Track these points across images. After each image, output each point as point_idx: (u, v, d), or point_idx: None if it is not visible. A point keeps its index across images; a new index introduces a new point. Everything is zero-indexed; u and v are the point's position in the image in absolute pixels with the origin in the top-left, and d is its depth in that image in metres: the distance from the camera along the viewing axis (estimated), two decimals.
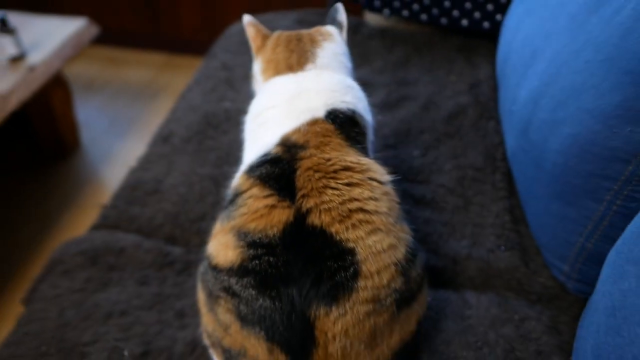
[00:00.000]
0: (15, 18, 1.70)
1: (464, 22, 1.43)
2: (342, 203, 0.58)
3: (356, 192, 0.59)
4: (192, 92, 1.25)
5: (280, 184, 0.60)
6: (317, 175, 0.59)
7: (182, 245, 0.88)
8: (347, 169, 0.61)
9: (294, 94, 0.70)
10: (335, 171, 0.60)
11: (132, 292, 0.76)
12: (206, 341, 0.66)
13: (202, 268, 0.65)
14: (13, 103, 1.40)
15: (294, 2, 2.29)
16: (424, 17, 1.46)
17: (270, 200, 0.58)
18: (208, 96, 1.21)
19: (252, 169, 0.64)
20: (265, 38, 0.81)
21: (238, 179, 0.66)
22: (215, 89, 1.23)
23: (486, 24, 1.41)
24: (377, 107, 1.17)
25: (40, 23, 1.74)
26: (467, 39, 1.44)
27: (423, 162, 1.02)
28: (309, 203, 0.57)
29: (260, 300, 0.55)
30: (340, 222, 0.57)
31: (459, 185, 0.97)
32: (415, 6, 1.46)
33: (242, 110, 1.13)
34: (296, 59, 0.75)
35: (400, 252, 0.59)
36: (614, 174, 0.69)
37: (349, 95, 0.72)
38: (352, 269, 0.55)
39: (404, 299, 0.59)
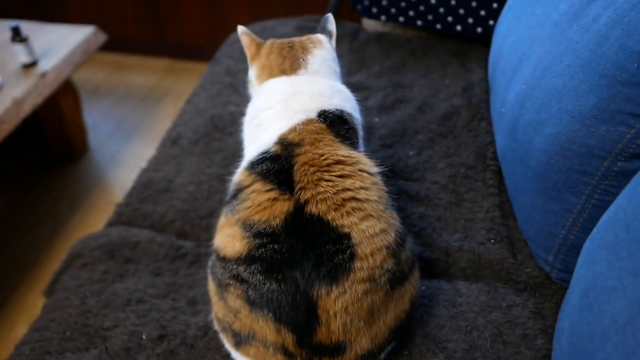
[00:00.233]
0: (26, 26, 1.77)
1: (458, 27, 1.48)
2: (336, 193, 0.63)
3: (348, 182, 0.65)
4: (198, 96, 1.31)
5: (280, 179, 0.65)
6: (312, 169, 0.65)
7: (193, 239, 0.94)
8: (339, 162, 0.67)
9: (288, 95, 0.76)
10: (328, 165, 0.66)
11: (148, 282, 0.82)
12: (217, 327, 0.72)
13: (210, 262, 0.71)
14: (27, 109, 1.47)
15: (294, 9, 2.35)
16: (419, 22, 1.52)
17: (272, 194, 0.64)
18: (213, 100, 1.27)
19: (253, 166, 0.69)
20: (259, 46, 0.86)
21: (239, 175, 0.71)
22: (220, 94, 1.29)
23: (479, 29, 1.47)
24: (375, 109, 1.23)
25: (50, 31, 1.81)
26: (461, 43, 1.50)
27: (418, 161, 1.08)
28: (307, 194, 0.63)
29: (268, 284, 0.60)
30: (336, 210, 0.62)
31: (451, 182, 1.03)
32: (411, 12, 1.52)
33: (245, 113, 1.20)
34: (289, 64, 0.81)
35: (391, 236, 0.65)
36: (592, 170, 0.74)
37: (336, 97, 0.78)
38: (348, 251, 0.61)
39: (396, 279, 0.65)
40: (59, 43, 1.74)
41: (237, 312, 0.64)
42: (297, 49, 0.83)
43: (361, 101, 1.25)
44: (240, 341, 0.66)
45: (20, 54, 1.58)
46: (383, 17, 1.55)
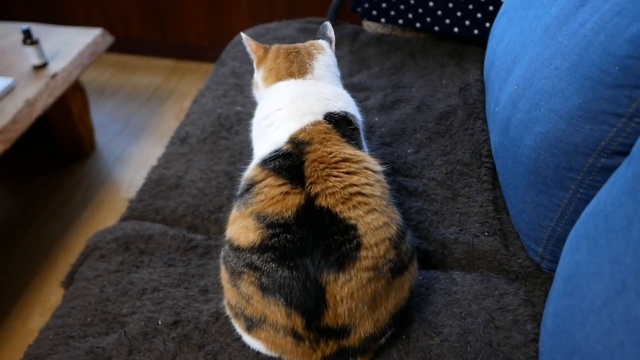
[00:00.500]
0: (35, 29, 1.82)
1: (456, 29, 1.53)
2: (344, 188, 0.69)
3: (354, 179, 0.70)
4: (204, 97, 1.36)
5: (292, 174, 0.70)
6: (321, 166, 0.70)
7: (203, 233, 0.99)
8: (346, 160, 0.72)
9: (297, 98, 0.81)
10: (336, 162, 0.71)
11: (162, 272, 0.87)
12: (229, 313, 0.77)
13: (222, 252, 0.76)
14: (39, 109, 1.52)
15: (295, 10, 2.40)
16: (418, 25, 1.57)
17: (284, 188, 0.69)
18: (220, 100, 1.32)
19: (265, 163, 0.74)
20: (266, 50, 0.91)
21: (251, 170, 0.77)
22: (226, 94, 1.34)
23: (476, 31, 1.52)
24: (375, 109, 1.29)
25: (58, 33, 1.86)
26: (458, 45, 1.55)
27: (416, 158, 1.13)
28: (317, 189, 0.68)
29: (280, 271, 0.65)
30: (343, 203, 0.67)
31: (448, 178, 1.08)
32: (410, 15, 1.56)
33: (252, 114, 1.25)
34: (297, 68, 0.86)
35: (393, 229, 0.70)
36: (577, 166, 0.79)
37: (340, 101, 0.83)
38: (355, 241, 0.66)
39: (397, 268, 0.70)
40: (67, 45, 1.80)
41: (249, 298, 0.69)
42: (303, 55, 0.88)
43: (362, 101, 1.31)
44: (251, 326, 0.71)
45: (31, 56, 1.64)
46: (383, 20, 1.59)
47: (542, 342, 0.72)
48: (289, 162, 0.72)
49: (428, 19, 1.55)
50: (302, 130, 0.76)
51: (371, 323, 0.69)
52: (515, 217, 0.97)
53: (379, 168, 0.76)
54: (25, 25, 1.61)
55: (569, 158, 0.80)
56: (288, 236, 0.66)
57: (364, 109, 1.27)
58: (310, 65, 0.87)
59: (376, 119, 1.25)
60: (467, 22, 1.51)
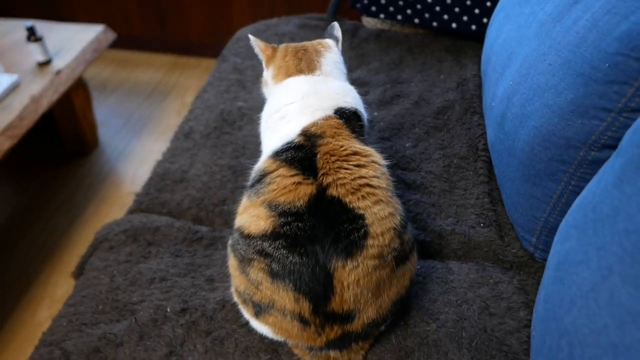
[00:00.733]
0: (38, 25, 1.85)
1: (454, 25, 1.56)
2: (353, 179, 0.72)
3: (363, 171, 0.73)
4: (207, 92, 1.39)
5: (304, 165, 0.73)
6: (333, 158, 0.73)
7: (208, 224, 1.02)
8: (355, 153, 0.75)
9: (308, 93, 0.84)
10: (347, 155, 0.74)
11: (169, 262, 0.91)
12: (236, 299, 0.80)
13: (231, 241, 0.78)
14: (44, 105, 1.55)
15: (295, 6, 2.41)
16: (416, 20, 1.59)
17: (297, 179, 0.72)
18: (222, 96, 1.35)
19: (277, 154, 0.77)
20: (274, 50, 0.94)
21: (263, 162, 0.79)
22: (229, 90, 1.37)
23: (474, 27, 1.54)
24: (374, 104, 1.32)
25: (61, 30, 1.88)
26: (456, 40, 1.58)
27: (414, 152, 1.16)
28: (328, 179, 0.71)
29: (291, 257, 0.68)
30: (352, 194, 0.70)
31: (445, 172, 1.11)
32: (409, 11, 1.59)
33: (254, 109, 1.28)
34: (306, 65, 0.89)
35: (397, 219, 0.73)
36: (569, 159, 0.83)
37: (349, 96, 0.87)
38: (362, 230, 0.69)
39: (400, 258, 0.73)
40: (70, 41, 1.82)
41: (259, 284, 0.71)
42: (311, 52, 0.91)
43: (361, 96, 1.33)
44: (260, 311, 0.74)
45: (36, 53, 1.66)
46: (382, 15, 1.62)
47: (534, 327, 0.75)
48: (302, 154, 0.75)
49: (426, 15, 1.57)
50: (314, 124, 0.79)
51: (374, 309, 0.72)
52: (510, 209, 1.00)
53: (384, 162, 0.79)
54: (29, 23, 1.64)
55: (561, 151, 0.83)
56: (299, 224, 0.68)
57: (363, 104, 1.30)
58: (318, 62, 0.90)
59: (375, 113, 1.28)
60: (465, 18, 1.54)
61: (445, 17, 1.56)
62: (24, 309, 1.53)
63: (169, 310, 0.82)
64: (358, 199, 0.71)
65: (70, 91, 1.84)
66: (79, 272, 0.97)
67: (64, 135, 2.02)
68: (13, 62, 1.68)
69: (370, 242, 0.69)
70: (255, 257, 0.71)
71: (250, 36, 0.96)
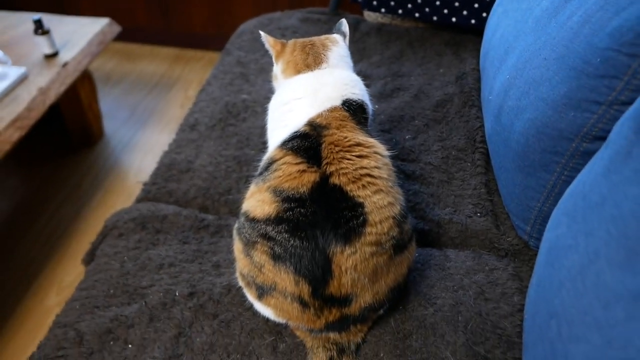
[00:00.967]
0: (44, 18, 1.87)
1: (453, 19, 1.59)
2: (355, 169, 0.75)
3: (365, 162, 0.76)
4: (211, 85, 1.42)
5: (309, 154, 0.76)
6: (337, 148, 0.76)
7: (213, 213, 1.06)
8: (358, 144, 0.78)
9: (315, 88, 0.87)
10: (350, 146, 0.77)
11: (177, 249, 0.94)
12: (241, 282, 0.83)
13: (237, 224, 0.81)
14: (52, 97, 1.58)
15: (298, 0, 2.43)
16: (417, 14, 1.62)
17: (302, 166, 0.75)
18: (226, 89, 1.38)
19: (284, 143, 0.80)
20: (283, 45, 0.97)
21: (271, 152, 0.82)
22: (233, 83, 1.40)
23: (473, 21, 1.57)
24: (375, 97, 1.35)
25: (67, 23, 1.91)
26: (456, 34, 1.60)
27: (414, 144, 1.19)
28: (331, 168, 0.74)
29: (292, 241, 0.71)
30: (354, 182, 0.73)
31: (443, 163, 1.14)
32: (409, 5, 1.62)
33: (258, 101, 1.32)
34: (313, 59, 0.92)
35: (397, 209, 0.76)
36: (562, 150, 0.86)
37: (357, 87, 0.90)
38: (361, 218, 0.72)
39: (398, 246, 0.76)
40: (76, 34, 1.85)
41: (261, 266, 0.75)
42: (318, 46, 0.94)
43: None
44: (262, 293, 0.77)
45: (43, 45, 1.69)
46: (383, 10, 1.65)
47: (526, 310, 0.78)
48: (307, 143, 0.78)
49: (427, 9, 1.60)
50: (319, 115, 0.82)
51: (371, 294, 0.75)
52: (505, 199, 1.04)
53: (386, 153, 0.82)
54: (36, 16, 1.67)
55: (554, 143, 0.86)
56: (302, 210, 0.71)
57: None
58: (325, 55, 0.93)
59: (376, 106, 1.31)
60: (465, 12, 1.57)
61: (445, 11, 1.59)
62: (34, 295, 1.57)
63: (177, 294, 0.86)
64: (358, 187, 0.73)
65: (77, 83, 1.87)
66: (89, 259, 1.01)
67: (70, 127, 2.05)
68: (21, 54, 1.71)
69: (368, 229, 0.72)
70: (259, 240, 0.74)
71: (262, 32, 0.99)
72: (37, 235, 1.76)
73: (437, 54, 1.51)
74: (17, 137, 1.43)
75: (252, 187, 0.81)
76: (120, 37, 2.62)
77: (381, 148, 0.82)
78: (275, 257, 0.72)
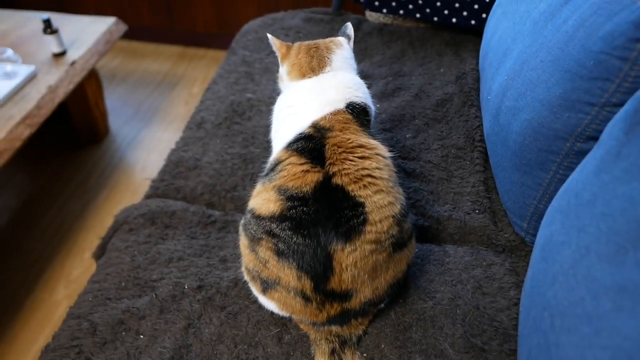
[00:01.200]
0: (52, 17, 1.90)
1: (454, 19, 1.61)
2: (357, 170, 0.77)
3: (366, 163, 0.79)
4: (217, 84, 1.45)
5: (313, 155, 0.79)
6: (339, 150, 0.79)
7: (220, 209, 1.09)
8: (361, 146, 0.81)
9: (319, 91, 0.90)
10: (353, 147, 0.80)
11: (185, 243, 0.98)
12: (246, 277, 0.86)
13: (243, 221, 0.84)
14: (60, 95, 1.61)
15: (301, 0, 2.46)
16: (418, 15, 1.65)
17: (305, 167, 0.78)
18: (232, 88, 1.41)
19: (289, 145, 0.83)
20: (289, 47, 1.00)
21: (277, 153, 0.85)
22: (238, 82, 1.43)
23: (473, 21, 1.60)
24: (377, 96, 1.38)
25: (74, 22, 1.94)
26: (456, 34, 1.63)
27: (414, 142, 1.22)
28: (334, 169, 0.77)
29: (295, 238, 0.74)
30: (355, 183, 0.76)
31: (443, 161, 1.17)
32: (410, 5, 1.64)
33: (263, 100, 1.35)
34: (317, 62, 0.95)
35: (397, 208, 0.79)
36: (557, 150, 0.89)
37: (360, 90, 0.92)
38: (362, 217, 0.74)
39: (398, 244, 0.79)
40: (84, 33, 1.88)
41: (266, 262, 0.78)
42: (322, 49, 0.97)
43: None
44: (267, 287, 0.80)
45: (52, 44, 1.72)
46: (384, 10, 1.67)
47: (521, 302, 0.82)
48: (311, 144, 0.81)
49: (427, 10, 1.63)
50: (323, 118, 0.85)
51: (370, 290, 0.78)
52: (503, 196, 1.07)
53: (388, 154, 0.85)
54: (45, 15, 1.70)
55: (550, 142, 0.89)
56: (305, 208, 0.74)
57: None
58: (328, 58, 0.95)
59: (377, 105, 1.34)
60: (465, 13, 1.59)
61: (446, 12, 1.61)
62: (42, 289, 1.61)
63: (186, 287, 0.89)
64: (360, 188, 0.76)
65: (84, 81, 1.90)
66: (100, 253, 1.05)
67: (77, 124, 2.09)
68: (29, 53, 1.75)
69: (368, 228, 0.74)
70: (264, 236, 0.77)
71: (269, 35, 1.02)
72: (44, 230, 1.79)
73: (438, 54, 1.54)
74: (28, 134, 1.46)
75: (259, 186, 0.84)
76: (124, 35, 2.65)
77: (383, 150, 0.85)
78: (279, 253, 0.75)
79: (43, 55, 1.73)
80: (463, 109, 1.31)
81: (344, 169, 0.77)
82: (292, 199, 0.76)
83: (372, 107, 0.95)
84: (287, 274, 0.76)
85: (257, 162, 1.16)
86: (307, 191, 0.76)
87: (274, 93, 1.02)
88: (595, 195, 0.67)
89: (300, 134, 0.83)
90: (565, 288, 0.66)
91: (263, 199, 0.79)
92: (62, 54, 1.74)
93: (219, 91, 1.40)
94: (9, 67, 1.62)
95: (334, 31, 1.65)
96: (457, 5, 1.59)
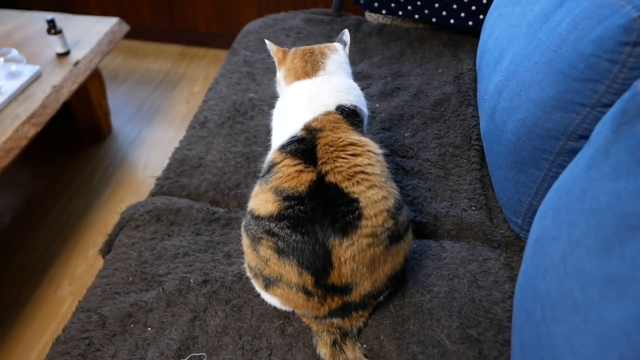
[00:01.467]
0: (56, 17, 1.93)
1: (452, 20, 1.64)
2: (349, 167, 0.80)
3: (359, 160, 0.82)
4: (220, 84, 1.48)
5: (306, 156, 0.82)
6: (331, 149, 0.82)
7: (224, 207, 1.12)
8: (352, 144, 0.84)
9: (312, 94, 0.93)
10: (344, 146, 0.83)
11: (190, 240, 1.01)
12: (249, 274, 0.89)
13: (244, 222, 0.88)
14: (65, 94, 1.64)
15: (300, 0, 2.48)
16: (416, 16, 1.68)
17: (299, 167, 0.81)
18: (234, 88, 1.44)
19: (283, 147, 0.86)
20: (285, 53, 1.03)
21: (272, 154, 0.89)
22: (240, 82, 1.46)
23: (470, 22, 1.63)
24: (376, 96, 1.41)
25: (78, 22, 1.97)
26: (454, 35, 1.66)
27: (413, 141, 1.25)
28: (326, 167, 0.80)
29: (294, 236, 0.77)
30: (348, 180, 0.79)
31: (441, 159, 1.20)
32: (409, 7, 1.67)
33: (264, 100, 1.38)
34: (311, 67, 0.98)
35: (390, 202, 0.82)
36: (550, 148, 0.92)
37: (351, 94, 0.95)
38: (357, 212, 0.77)
39: (394, 237, 0.82)
40: (87, 33, 1.90)
41: (267, 260, 0.81)
42: (316, 54, 1.00)
43: (364, 89, 1.43)
44: (269, 284, 0.83)
45: (56, 45, 1.75)
46: (384, 11, 1.70)
47: (515, 295, 0.85)
48: (303, 146, 0.84)
49: (426, 11, 1.66)
50: (315, 119, 0.88)
51: (370, 282, 0.81)
52: (498, 193, 1.10)
53: (379, 150, 0.87)
54: (49, 16, 1.72)
55: (543, 141, 0.93)
56: (301, 207, 0.77)
57: (365, 96, 1.38)
58: (322, 63, 0.98)
59: (377, 105, 1.37)
60: (463, 14, 1.62)
61: (444, 13, 1.64)
62: (47, 286, 1.64)
63: (192, 281, 0.92)
64: (353, 184, 0.79)
65: (87, 81, 1.93)
66: (106, 249, 1.07)
67: (80, 123, 2.11)
68: (34, 53, 1.77)
69: (364, 222, 0.77)
70: (264, 236, 0.80)
71: (267, 41, 1.05)
72: (49, 228, 1.82)
73: (436, 55, 1.57)
74: (33, 133, 1.49)
75: (257, 188, 0.87)
76: (126, 35, 2.67)
77: (374, 146, 0.87)
78: (280, 251, 0.78)
79: (47, 56, 1.76)
80: (460, 108, 1.34)
81: (336, 167, 0.80)
82: (288, 198, 0.79)
83: (364, 110, 0.97)
84: (288, 270, 0.79)
85: (260, 161, 1.19)
86: (302, 190, 0.78)
87: (276, 93, 1.06)
88: (585, 191, 0.70)
89: (293, 136, 0.86)
90: (556, 280, 0.69)
91: (261, 200, 0.82)
92: (65, 54, 1.77)
93: (222, 91, 1.43)
94: (13, 67, 1.64)
95: (334, 32, 1.68)
96: (455, 6, 1.62)
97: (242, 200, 1.12)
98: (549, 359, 0.65)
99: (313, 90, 0.94)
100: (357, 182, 0.79)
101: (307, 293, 0.80)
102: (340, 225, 0.77)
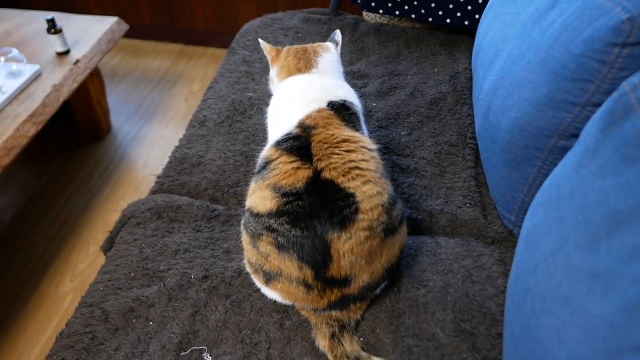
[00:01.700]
0: (55, 17, 1.94)
1: (448, 20, 1.66)
2: (344, 163, 0.82)
3: (353, 155, 0.84)
4: (219, 83, 1.50)
5: (301, 153, 0.84)
6: (325, 145, 0.84)
7: (223, 204, 1.14)
8: (345, 140, 0.86)
9: (304, 90, 0.96)
10: (337, 142, 0.85)
11: (191, 236, 1.03)
12: (249, 270, 0.92)
13: (243, 220, 0.90)
14: (65, 93, 1.65)
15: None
16: (413, 16, 1.70)
17: (296, 164, 0.83)
18: (233, 87, 1.46)
19: (279, 144, 0.88)
20: (278, 51, 1.06)
21: (267, 150, 0.91)
22: (239, 81, 1.48)
23: (466, 22, 1.64)
24: (373, 95, 1.43)
25: (77, 21, 1.98)
26: (450, 34, 1.68)
27: (409, 139, 1.27)
28: (322, 164, 0.82)
29: (293, 231, 0.79)
30: (344, 175, 0.81)
31: (436, 157, 1.22)
32: (406, 6, 1.69)
33: (263, 99, 1.40)
34: (304, 64, 1.00)
35: (385, 197, 0.84)
36: (542, 146, 0.94)
37: (340, 91, 0.97)
38: (354, 206, 0.79)
39: (389, 230, 0.84)
40: (87, 33, 1.92)
41: (267, 255, 0.83)
42: (309, 53, 1.02)
43: (361, 88, 1.45)
44: (269, 279, 0.85)
45: (55, 44, 1.76)
46: (381, 11, 1.72)
47: (507, 289, 0.87)
48: (299, 143, 0.86)
49: (423, 11, 1.68)
50: (308, 116, 0.90)
51: (368, 274, 0.83)
52: (492, 191, 1.12)
53: (373, 146, 0.89)
54: (49, 15, 1.74)
55: (535, 139, 0.95)
56: (299, 203, 0.79)
57: (363, 95, 1.40)
58: (315, 61, 1.01)
59: (374, 104, 1.39)
60: (459, 14, 1.64)
61: (440, 12, 1.66)
62: (48, 282, 1.66)
63: (192, 277, 0.94)
64: (349, 179, 0.81)
65: (87, 80, 1.94)
66: (108, 246, 1.09)
67: (79, 122, 2.13)
68: (34, 52, 1.79)
69: (360, 216, 0.79)
70: (263, 232, 0.82)
71: (260, 40, 1.07)
72: (49, 225, 1.84)
73: (432, 54, 1.59)
74: (34, 132, 1.51)
75: (253, 185, 0.89)
76: (125, 34, 2.68)
77: (367, 142, 0.89)
78: (280, 247, 0.80)
79: (47, 55, 1.78)
80: (456, 107, 1.36)
81: (331, 163, 0.82)
82: (286, 195, 0.81)
83: (356, 102, 0.99)
84: (289, 265, 0.81)
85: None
86: (300, 187, 0.80)
87: (271, 92, 1.08)
88: (574, 189, 0.72)
89: (288, 134, 0.88)
90: (546, 274, 0.72)
91: (259, 198, 0.84)
92: (65, 53, 1.79)
93: (221, 90, 1.45)
94: (14, 67, 1.66)
95: (332, 31, 1.69)
96: (451, 6, 1.64)
97: (241, 198, 1.14)
98: (538, 350, 0.67)
99: (306, 86, 0.97)
100: (353, 177, 0.81)
101: (307, 286, 0.82)
102: (338, 219, 0.79)
